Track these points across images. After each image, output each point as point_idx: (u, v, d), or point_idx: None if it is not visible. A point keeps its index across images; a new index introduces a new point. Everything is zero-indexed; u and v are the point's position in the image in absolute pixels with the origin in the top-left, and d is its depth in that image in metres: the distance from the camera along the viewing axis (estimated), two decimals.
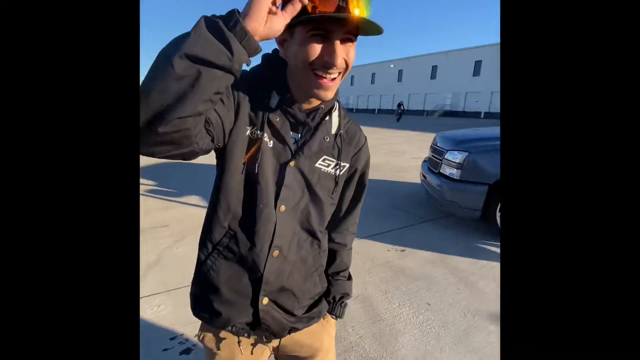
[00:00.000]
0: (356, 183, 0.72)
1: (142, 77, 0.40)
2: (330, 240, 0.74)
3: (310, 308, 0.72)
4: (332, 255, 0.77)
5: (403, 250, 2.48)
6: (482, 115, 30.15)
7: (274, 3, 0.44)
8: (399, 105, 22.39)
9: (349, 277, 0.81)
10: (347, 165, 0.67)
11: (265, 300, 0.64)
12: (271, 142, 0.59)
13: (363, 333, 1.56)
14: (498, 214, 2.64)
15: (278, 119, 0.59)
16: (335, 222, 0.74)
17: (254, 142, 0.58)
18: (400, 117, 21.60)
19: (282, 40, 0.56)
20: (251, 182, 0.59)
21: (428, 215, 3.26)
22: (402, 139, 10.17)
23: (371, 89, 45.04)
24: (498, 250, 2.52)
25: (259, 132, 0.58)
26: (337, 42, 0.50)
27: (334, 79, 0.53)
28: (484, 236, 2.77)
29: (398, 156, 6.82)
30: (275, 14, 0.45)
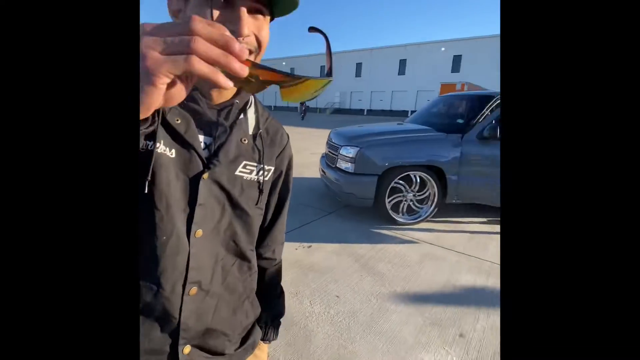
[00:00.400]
0: (280, 186, 0.62)
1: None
2: (259, 256, 0.63)
3: (244, 340, 0.60)
4: (261, 274, 0.65)
5: (310, 247, 2.50)
6: (365, 113, 34.09)
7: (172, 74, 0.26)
8: (302, 103, 22.48)
9: (281, 293, 0.71)
10: (272, 168, 0.57)
11: (187, 349, 0.50)
12: (172, 151, 0.45)
13: (276, 344, 1.47)
14: (387, 200, 2.97)
15: (179, 121, 0.45)
16: (262, 235, 0.63)
17: (144, 155, 0.43)
18: (304, 114, 21.76)
19: (176, 10, 0.43)
20: (145, 209, 0.44)
21: (329, 208, 3.41)
22: (300, 136, 10.45)
23: None
24: (390, 232, 2.83)
25: (148, 141, 0.43)
26: (243, 9, 0.40)
27: None
28: (377, 221, 3.07)
29: (298, 152, 6.95)
30: (173, 84, 0.28)
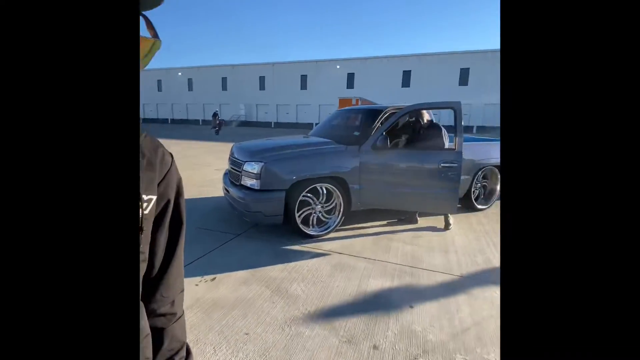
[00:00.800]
0: (170, 220, 0.50)
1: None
2: (152, 313, 0.50)
3: None
4: (158, 335, 0.51)
5: (214, 279, 2.20)
6: (273, 125, 34.27)
7: None
8: (215, 115, 17.90)
9: (188, 354, 0.54)
10: (154, 197, 0.46)
11: None
12: None
13: None
14: (297, 215, 2.90)
15: None
16: (153, 285, 0.50)
17: None
18: (219, 128, 17.41)
19: None
20: None
21: (235, 230, 3.13)
22: (202, 150, 9.61)
23: (159, 97, 40.26)
24: (301, 247, 2.76)
25: None
26: None
27: None
28: (288, 238, 2.97)
29: (199, 169, 6.32)
30: None
